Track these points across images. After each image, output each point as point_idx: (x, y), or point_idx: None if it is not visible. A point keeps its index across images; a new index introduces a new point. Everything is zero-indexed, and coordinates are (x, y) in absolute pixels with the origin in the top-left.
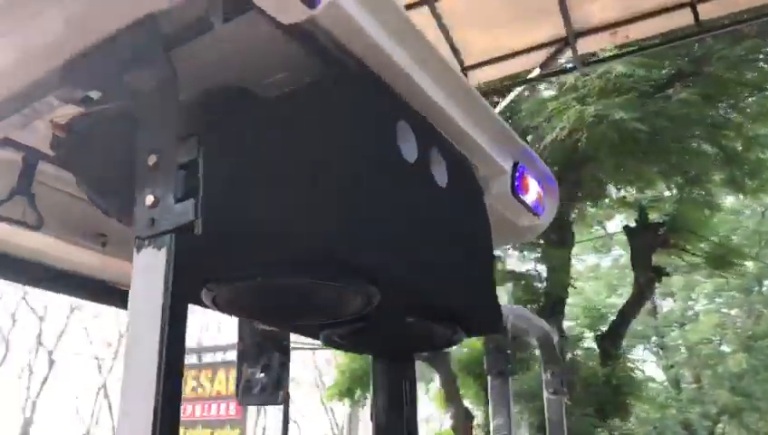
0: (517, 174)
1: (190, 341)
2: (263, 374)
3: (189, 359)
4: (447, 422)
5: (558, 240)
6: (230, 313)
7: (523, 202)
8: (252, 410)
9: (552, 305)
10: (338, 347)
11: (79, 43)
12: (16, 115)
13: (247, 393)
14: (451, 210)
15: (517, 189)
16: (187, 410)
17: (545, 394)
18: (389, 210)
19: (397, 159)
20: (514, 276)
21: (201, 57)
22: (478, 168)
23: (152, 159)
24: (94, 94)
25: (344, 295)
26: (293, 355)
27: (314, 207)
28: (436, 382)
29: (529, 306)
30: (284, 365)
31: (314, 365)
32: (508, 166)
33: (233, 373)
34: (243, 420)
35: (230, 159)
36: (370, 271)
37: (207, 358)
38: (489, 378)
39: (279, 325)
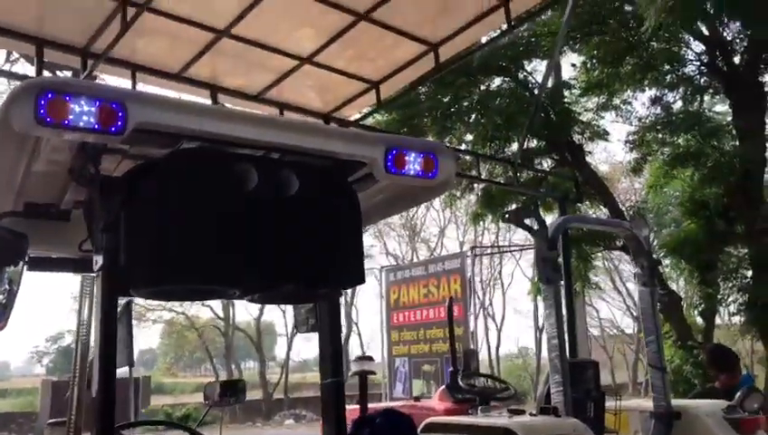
0: (388, 157)
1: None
2: None
3: (417, 271)
4: None
5: None
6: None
7: (402, 175)
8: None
9: None
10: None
11: None
12: None
13: None
14: (304, 210)
15: (390, 169)
16: (423, 314)
17: (638, 287)
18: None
19: (235, 195)
20: None
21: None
22: (348, 167)
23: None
24: None
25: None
26: None
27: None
28: None
29: None
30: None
31: None
32: (377, 155)
33: (454, 280)
34: (466, 319)
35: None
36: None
37: (431, 269)
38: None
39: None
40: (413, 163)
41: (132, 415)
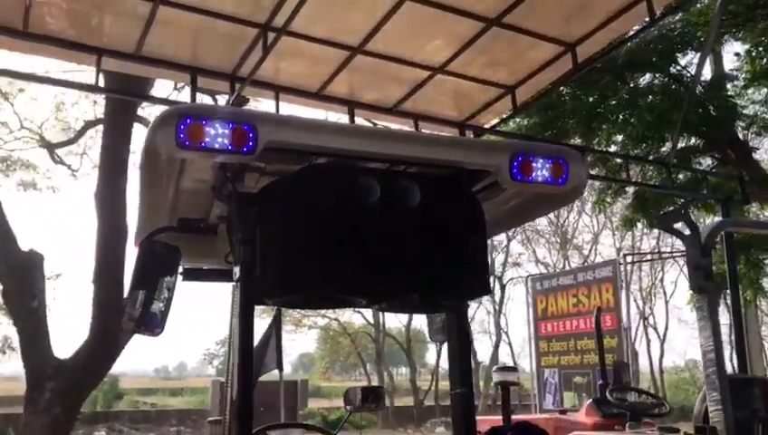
0: (514, 165)
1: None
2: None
3: (565, 279)
4: None
5: None
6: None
7: (530, 182)
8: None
9: None
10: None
11: None
12: None
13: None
14: (427, 220)
15: (516, 176)
16: (572, 324)
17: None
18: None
19: (359, 208)
20: None
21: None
22: (473, 176)
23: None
24: None
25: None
26: None
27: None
28: None
29: None
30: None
31: None
32: (503, 162)
33: (606, 289)
34: (619, 330)
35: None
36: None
37: (581, 277)
38: (694, 296)
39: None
40: (541, 169)
41: (282, 416)
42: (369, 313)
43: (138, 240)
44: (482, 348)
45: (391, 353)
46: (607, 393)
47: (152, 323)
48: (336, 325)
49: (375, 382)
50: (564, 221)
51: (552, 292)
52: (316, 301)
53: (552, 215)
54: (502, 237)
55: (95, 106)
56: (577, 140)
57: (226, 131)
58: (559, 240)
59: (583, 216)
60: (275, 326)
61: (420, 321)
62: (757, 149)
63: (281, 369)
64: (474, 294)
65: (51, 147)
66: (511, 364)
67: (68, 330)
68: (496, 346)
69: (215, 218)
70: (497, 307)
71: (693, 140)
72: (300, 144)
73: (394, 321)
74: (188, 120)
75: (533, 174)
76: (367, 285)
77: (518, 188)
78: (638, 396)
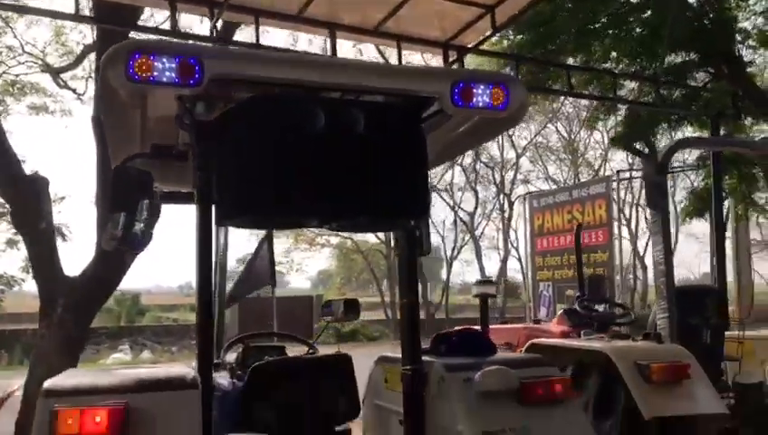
0: (455, 91)
1: None
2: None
3: (561, 196)
4: None
5: None
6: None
7: (471, 108)
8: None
9: None
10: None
11: None
12: None
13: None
14: (372, 147)
15: (457, 102)
16: (567, 239)
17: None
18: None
19: (306, 135)
20: None
21: None
22: (418, 104)
23: None
24: None
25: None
26: None
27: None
28: None
29: None
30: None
31: None
32: (443, 90)
33: (599, 205)
34: (610, 245)
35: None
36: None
37: (576, 194)
38: (648, 211)
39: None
40: (482, 95)
41: (275, 327)
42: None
43: (113, 166)
44: (490, 264)
45: None
46: (575, 304)
47: (134, 243)
48: (350, 243)
49: (387, 298)
50: (575, 137)
51: (549, 209)
52: (270, 222)
53: (563, 131)
54: (511, 154)
55: (94, 31)
56: (569, 59)
57: (173, 65)
58: (570, 157)
59: (595, 132)
60: (268, 242)
61: (435, 239)
62: (752, 63)
63: (273, 284)
64: (414, 216)
65: (54, 72)
66: (491, 278)
67: (78, 249)
68: (504, 261)
69: (183, 145)
70: (506, 223)
71: (690, 56)
72: (246, 75)
73: None
74: (137, 56)
75: (474, 100)
76: (316, 208)
77: (461, 114)
78: (608, 307)
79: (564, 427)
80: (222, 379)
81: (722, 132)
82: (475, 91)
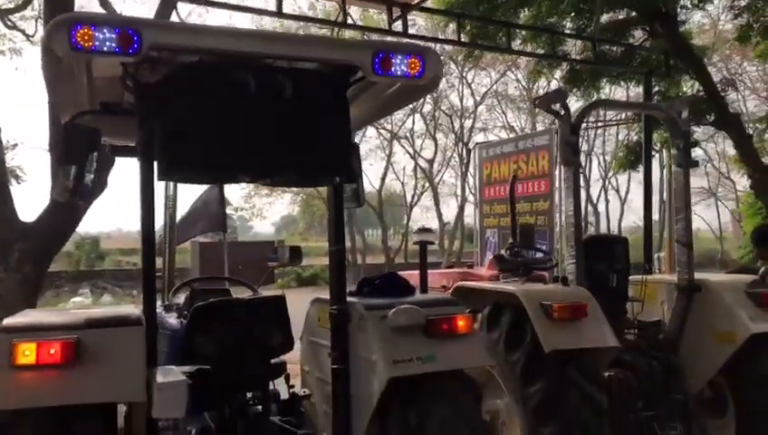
0: (376, 61)
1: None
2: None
3: (508, 147)
4: None
5: None
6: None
7: (390, 75)
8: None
9: None
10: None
11: None
12: None
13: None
14: (299, 108)
15: (377, 71)
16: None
17: (673, 167)
18: (248, 128)
19: (236, 99)
20: None
21: None
22: (344, 72)
23: None
24: None
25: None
26: None
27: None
28: None
29: None
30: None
31: None
32: (364, 60)
33: (542, 156)
34: (551, 194)
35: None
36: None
37: (521, 145)
38: (560, 167)
39: None
40: (400, 65)
41: (226, 272)
42: None
43: (62, 123)
44: (449, 210)
45: (367, 216)
46: (502, 250)
47: (85, 193)
48: (311, 189)
49: (349, 243)
50: (533, 86)
51: (497, 159)
52: (206, 178)
53: (523, 80)
54: (470, 102)
55: None
56: (509, 18)
57: (113, 36)
58: (528, 106)
59: (554, 82)
60: (219, 191)
61: (396, 186)
62: (683, 22)
63: (224, 230)
64: (338, 173)
65: (2, 13)
66: (428, 226)
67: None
68: (461, 208)
69: (128, 104)
70: (464, 171)
71: (627, 14)
72: (181, 45)
73: (367, 186)
74: (79, 27)
75: (393, 69)
76: (247, 165)
77: (382, 81)
78: (533, 254)
79: (464, 355)
80: (171, 318)
81: (655, 89)
82: (393, 60)
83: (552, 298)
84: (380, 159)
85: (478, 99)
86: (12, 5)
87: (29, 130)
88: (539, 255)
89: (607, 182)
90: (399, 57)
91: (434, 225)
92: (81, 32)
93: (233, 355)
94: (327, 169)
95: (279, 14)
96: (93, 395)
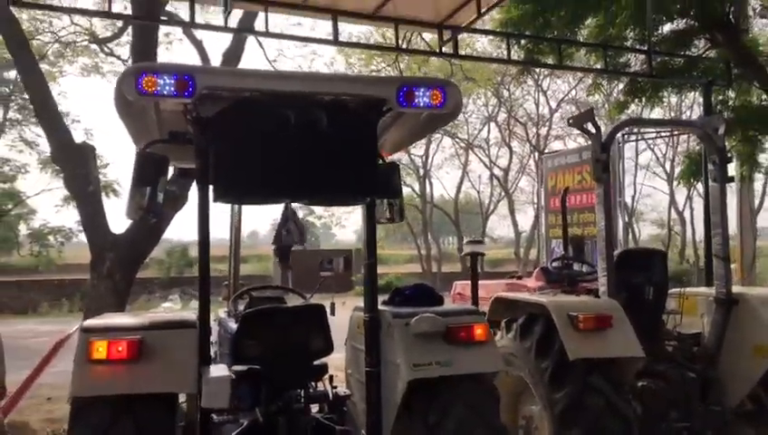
0: (400, 94)
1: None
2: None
3: (572, 158)
4: None
5: None
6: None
7: (413, 106)
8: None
9: None
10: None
11: None
12: None
13: None
14: (334, 138)
15: (401, 103)
16: (576, 199)
17: (710, 183)
18: (289, 156)
19: (279, 131)
20: None
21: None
22: (373, 105)
23: None
24: None
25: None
26: None
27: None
28: None
29: None
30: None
31: None
32: (390, 93)
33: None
34: (614, 206)
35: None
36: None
37: (585, 156)
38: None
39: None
40: (422, 97)
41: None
42: (416, 185)
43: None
44: (525, 218)
45: (443, 224)
46: (548, 263)
47: (157, 211)
48: None
49: (423, 251)
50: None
51: (561, 169)
52: (254, 199)
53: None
54: (545, 111)
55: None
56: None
57: (172, 81)
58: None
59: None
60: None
61: (471, 193)
62: (746, 30)
63: (302, 243)
64: (366, 193)
65: (99, 42)
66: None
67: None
68: (536, 216)
69: (189, 134)
70: (539, 180)
71: (688, 23)
72: (229, 87)
73: (443, 192)
74: (144, 75)
75: (416, 100)
76: (289, 188)
77: (407, 111)
78: (580, 266)
79: (479, 361)
80: (231, 323)
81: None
82: (416, 93)
83: (580, 309)
84: (457, 167)
85: (554, 106)
86: (109, 34)
87: (124, 148)
88: (588, 267)
89: (692, 189)
90: (422, 90)
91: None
92: (146, 79)
93: (278, 357)
94: (358, 190)
95: (336, 42)
96: (152, 386)
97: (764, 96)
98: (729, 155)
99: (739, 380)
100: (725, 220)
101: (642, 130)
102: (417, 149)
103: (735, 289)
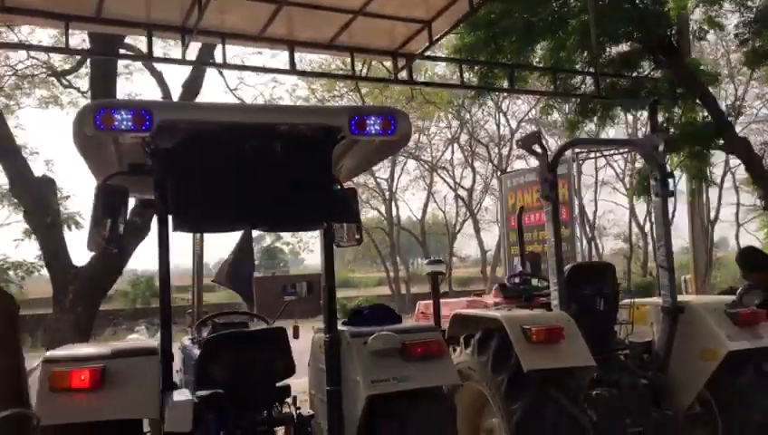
0: (352, 123)
1: None
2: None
3: (530, 176)
4: None
5: None
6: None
7: (365, 134)
8: None
9: None
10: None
11: None
12: None
13: None
14: (290, 166)
15: (354, 131)
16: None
17: (652, 197)
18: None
19: (233, 161)
20: None
21: None
22: (329, 133)
23: None
24: None
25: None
26: None
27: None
28: None
29: None
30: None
31: None
32: (343, 122)
33: (562, 184)
34: (571, 222)
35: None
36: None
37: None
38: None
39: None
40: (373, 125)
41: (255, 308)
42: (383, 208)
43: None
44: (491, 237)
45: (411, 245)
46: (505, 280)
47: (118, 242)
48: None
49: (392, 273)
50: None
51: (520, 188)
52: (213, 228)
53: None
54: (506, 132)
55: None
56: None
57: (129, 116)
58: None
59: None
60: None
61: (437, 214)
62: (687, 51)
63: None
64: (323, 219)
65: (57, 75)
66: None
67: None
68: (501, 235)
69: (148, 166)
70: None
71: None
72: (185, 120)
73: (409, 214)
74: (102, 111)
75: (367, 128)
76: (247, 215)
77: (359, 139)
78: (538, 282)
79: (435, 375)
80: (194, 349)
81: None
82: (368, 121)
83: (533, 323)
84: (422, 189)
85: (514, 126)
86: (67, 66)
87: (85, 180)
88: (544, 283)
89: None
90: (373, 118)
91: (477, 252)
92: (104, 115)
93: (241, 380)
94: (315, 216)
95: (293, 71)
96: (115, 412)
97: (706, 113)
98: (676, 170)
99: (688, 384)
100: (669, 233)
101: (602, 148)
102: (383, 172)
103: (682, 298)
